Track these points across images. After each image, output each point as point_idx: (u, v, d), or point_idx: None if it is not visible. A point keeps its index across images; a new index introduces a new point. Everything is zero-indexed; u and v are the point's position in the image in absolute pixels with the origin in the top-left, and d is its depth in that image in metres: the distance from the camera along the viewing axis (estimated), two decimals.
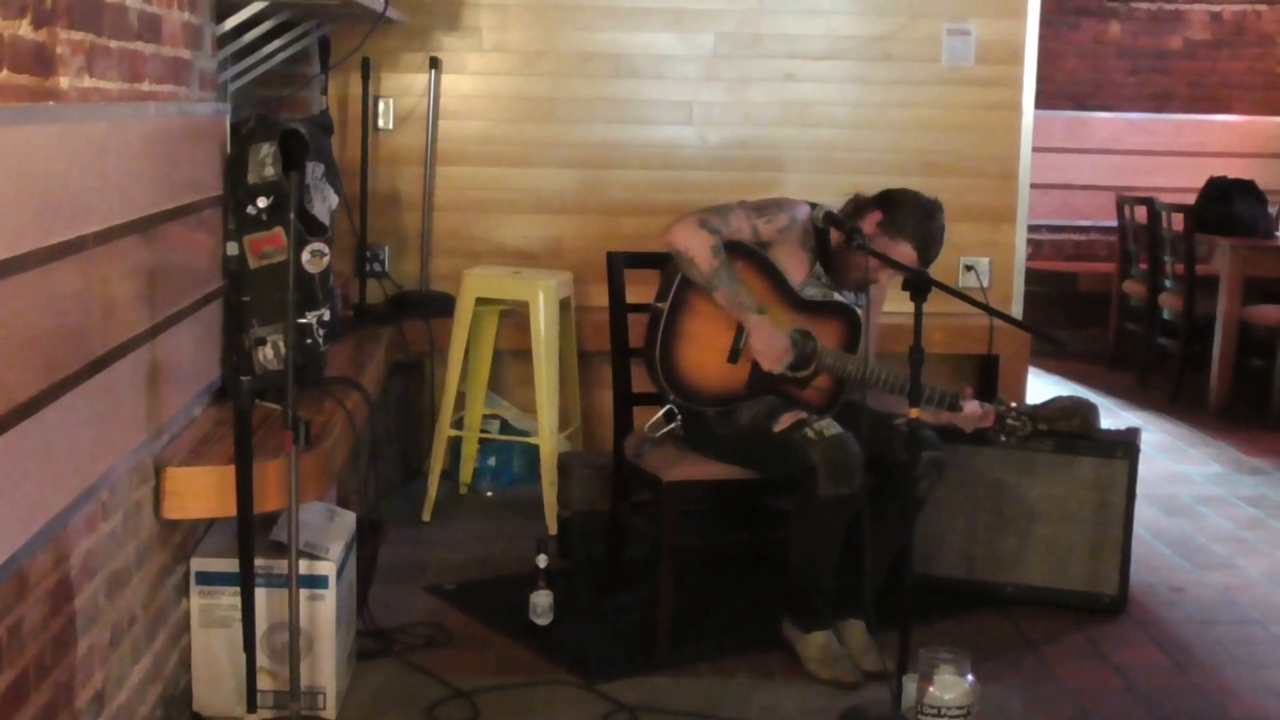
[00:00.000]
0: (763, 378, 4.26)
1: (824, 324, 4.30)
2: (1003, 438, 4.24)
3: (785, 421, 4.12)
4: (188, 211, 3.58)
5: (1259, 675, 4.28)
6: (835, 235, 4.25)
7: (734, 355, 4.26)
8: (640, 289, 4.56)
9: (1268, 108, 10.13)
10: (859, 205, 4.31)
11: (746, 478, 4.27)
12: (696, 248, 4.18)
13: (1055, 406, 4.73)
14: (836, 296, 4.32)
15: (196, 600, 3.71)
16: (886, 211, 4.24)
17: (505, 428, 6.00)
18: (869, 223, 4.21)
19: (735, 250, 4.23)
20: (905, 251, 4.17)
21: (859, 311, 4.35)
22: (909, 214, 4.23)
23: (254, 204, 3.86)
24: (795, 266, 4.30)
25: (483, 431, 5.92)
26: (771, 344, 4.20)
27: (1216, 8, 10.12)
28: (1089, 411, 4.73)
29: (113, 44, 3.02)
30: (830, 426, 4.08)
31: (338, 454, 3.86)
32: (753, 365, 4.26)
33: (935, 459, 4.15)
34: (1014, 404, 4.25)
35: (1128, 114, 10.07)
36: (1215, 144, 9.92)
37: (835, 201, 4.34)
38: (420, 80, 6.03)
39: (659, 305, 4.28)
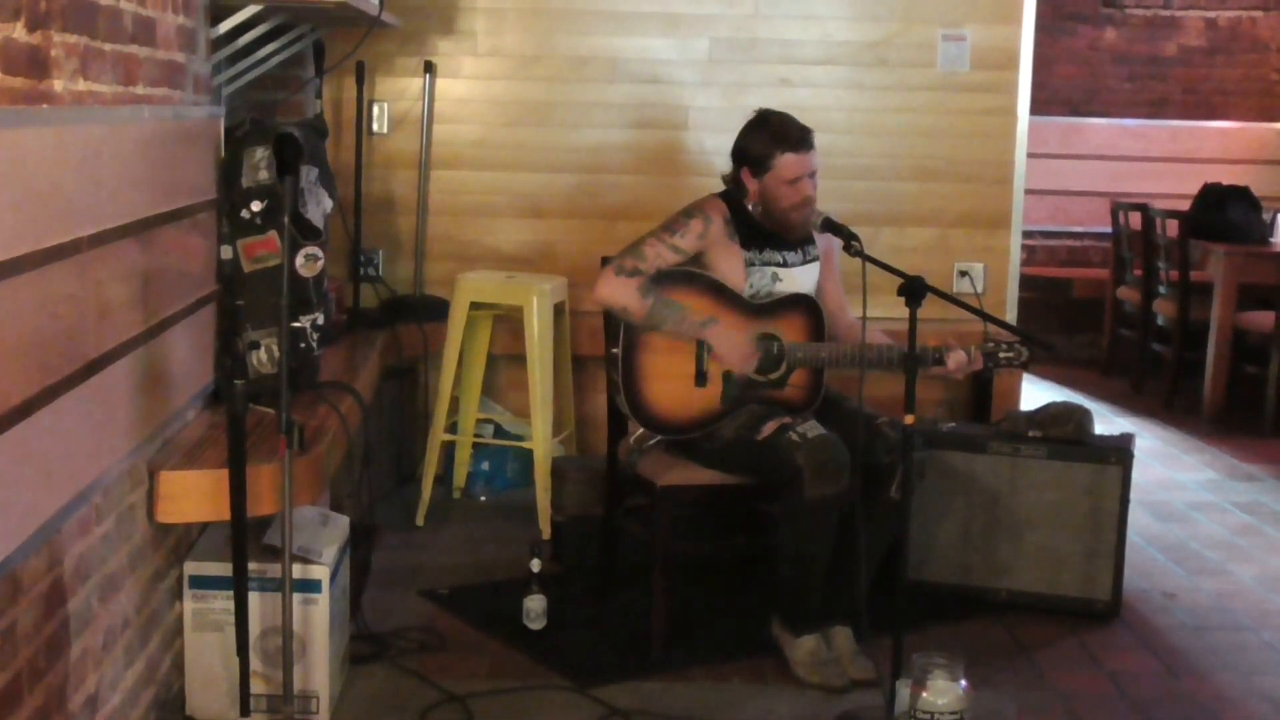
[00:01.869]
0: (737, 391, 4.26)
1: (784, 321, 4.29)
2: (1000, 369, 4.25)
3: (768, 429, 4.12)
4: (182, 215, 3.59)
5: (1251, 681, 4.28)
6: (753, 197, 4.30)
7: (700, 378, 4.25)
8: None
9: (1262, 114, 10.14)
10: (731, 180, 4.38)
11: (741, 483, 4.27)
12: (623, 297, 4.20)
13: (1049, 412, 4.76)
14: (783, 285, 4.32)
15: (190, 604, 3.71)
16: (743, 162, 4.33)
17: (499, 432, 6.00)
18: (750, 184, 4.31)
19: (672, 278, 4.24)
20: (788, 163, 4.24)
21: (814, 286, 4.36)
22: (752, 140, 4.32)
23: (248, 208, 3.86)
24: (731, 262, 4.30)
25: (476, 436, 5.92)
26: (734, 347, 4.21)
27: (1212, 14, 10.13)
28: (1083, 417, 4.75)
29: (107, 47, 3.02)
30: (814, 428, 4.08)
31: (331, 458, 3.86)
32: (724, 381, 4.26)
33: (915, 461, 4.14)
34: (1001, 339, 4.24)
35: (1123, 120, 10.08)
36: (1210, 150, 9.93)
37: (828, 206, 4.34)
38: (415, 84, 6.03)
39: (614, 350, 4.29)
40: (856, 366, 4.18)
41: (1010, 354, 4.19)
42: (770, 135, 4.29)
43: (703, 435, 4.27)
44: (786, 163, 4.24)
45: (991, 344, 4.20)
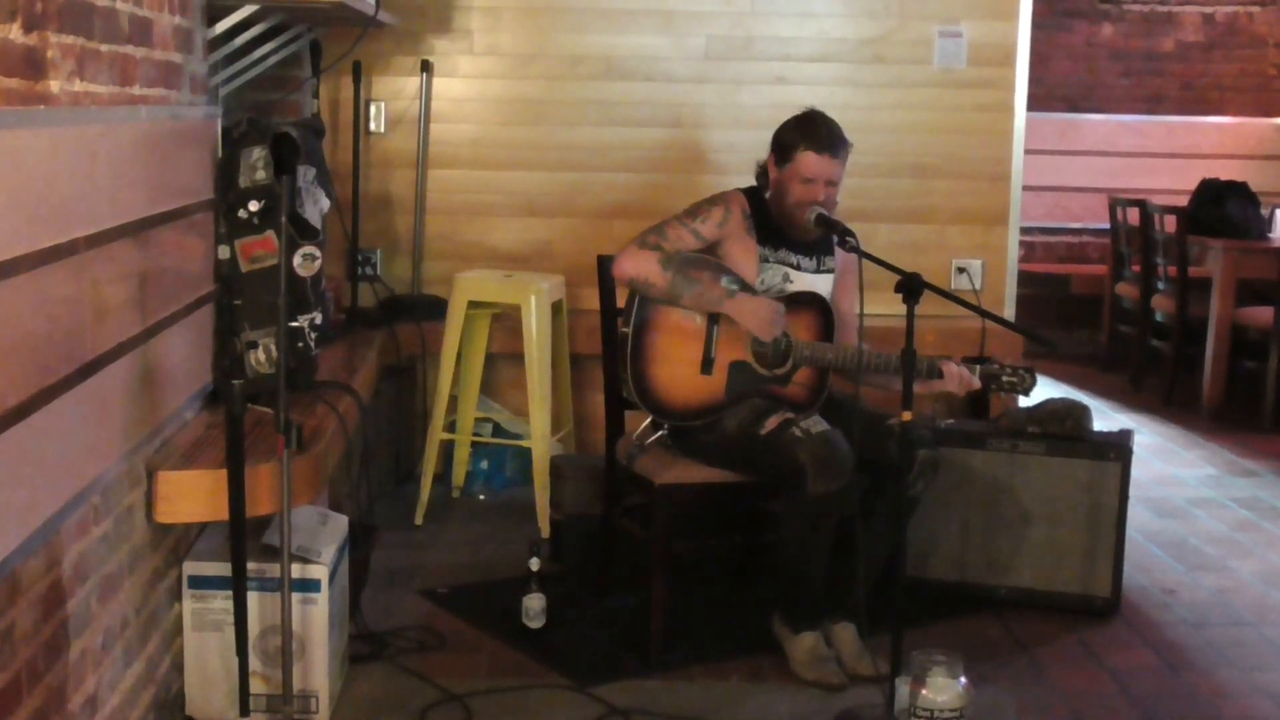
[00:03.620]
0: (742, 382, 4.26)
1: (794, 318, 4.29)
2: (1004, 395, 4.26)
3: (771, 424, 4.12)
4: (179, 215, 3.58)
5: (1252, 677, 4.28)
6: (771, 185, 4.33)
7: (707, 365, 4.25)
8: None
9: (1260, 109, 10.15)
10: (761, 169, 4.41)
11: (739, 480, 4.27)
12: (646, 269, 4.20)
13: (1048, 409, 4.75)
14: (794, 286, 4.32)
15: (189, 604, 3.71)
16: (772, 149, 4.36)
17: (497, 431, 6.00)
18: (772, 172, 4.33)
19: (686, 261, 4.24)
20: (808, 160, 4.25)
21: (826, 296, 4.35)
22: (786, 130, 4.35)
23: (245, 208, 3.86)
24: (745, 256, 4.30)
25: (475, 435, 5.92)
26: (758, 313, 4.19)
27: (1209, 9, 10.13)
28: (1081, 414, 4.75)
29: (104, 48, 3.02)
30: (817, 424, 4.08)
31: (330, 457, 3.86)
32: (729, 371, 4.26)
33: (929, 459, 4.15)
34: (1007, 362, 4.23)
35: (1120, 116, 10.09)
36: (1207, 146, 9.94)
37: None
38: (412, 83, 6.03)
39: (624, 330, 4.29)
40: (859, 371, 4.18)
41: (1014, 379, 4.18)
42: (801, 130, 4.31)
43: (704, 426, 4.27)
44: (806, 159, 4.24)
45: (996, 366, 4.20)
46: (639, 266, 4.21)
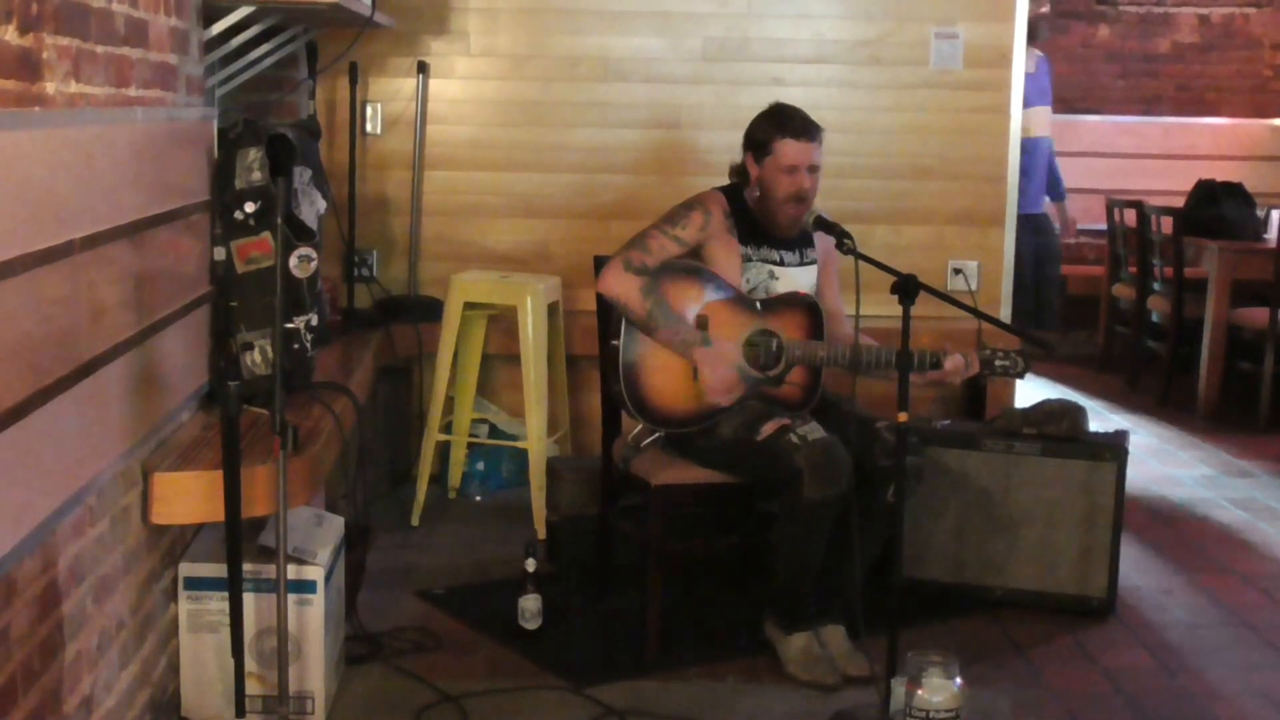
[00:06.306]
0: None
1: (783, 318, 4.29)
2: (995, 377, 4.27)
3: (768, 430, 4.12)
4: (175, 216, 3.58)
5: (1247, 678, 4.29)
6: (753, 183, 4.33)
7: (699, 372, 4.26)
8: None
9: (1255, 110, 10.16)
10: (738, 169, 4.41)
11: (735, 481, 4.27)
12: (626, 294, 4.20)
13: (1044, 409, 4.76)
14: (779, 283, 4.32)
15: (185, 605, 3.71)
16: (749, 147, 4.36)
17: (494, 432, 6.00)
18: (752, 170, 4.34)
19: (672, 271, 4.24)
20: (788, 149, 4.26)
21: (811, 289, 4.36)
22: (758, 126, 4.36)
23: (241, 209, 3.85)
24: (728, 256, 4.30)
25: (471, 436, 5.92)
26: (718, 378, 4.19)
27: (1205, 11, 10.14)
28: (1078, 414, 4.75)
29: (99, 49, 3.02)
30: (814, 430, 4.07)
31: (326, 458, 3.86)
32: None
33: (913, 465, 4.14)
34: (999, 347, 4.24)
35: (1116, 117, 10.09)
36: (1204, 147, 9.94)
37: (821, 204, 4.35)
38: (408, 85, 6.03)
39: (614, 343, 4.28)
40: (852, 366, 4.19)
41: (1007, 362, 4.19)
42: (774, 122, 4.32)
43: (700, 431, 4.27)
44: (786, 149, 4.25)
45: (988, 351, 4.20)
46: (620, 289, 4.20)
